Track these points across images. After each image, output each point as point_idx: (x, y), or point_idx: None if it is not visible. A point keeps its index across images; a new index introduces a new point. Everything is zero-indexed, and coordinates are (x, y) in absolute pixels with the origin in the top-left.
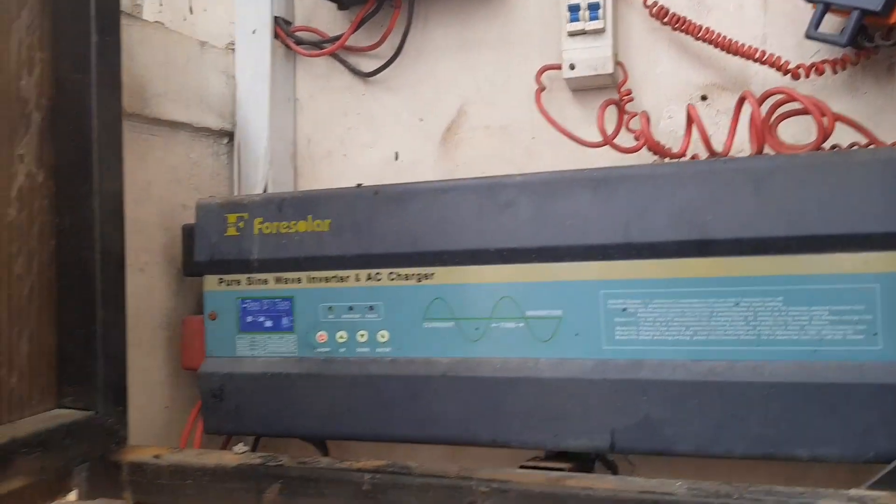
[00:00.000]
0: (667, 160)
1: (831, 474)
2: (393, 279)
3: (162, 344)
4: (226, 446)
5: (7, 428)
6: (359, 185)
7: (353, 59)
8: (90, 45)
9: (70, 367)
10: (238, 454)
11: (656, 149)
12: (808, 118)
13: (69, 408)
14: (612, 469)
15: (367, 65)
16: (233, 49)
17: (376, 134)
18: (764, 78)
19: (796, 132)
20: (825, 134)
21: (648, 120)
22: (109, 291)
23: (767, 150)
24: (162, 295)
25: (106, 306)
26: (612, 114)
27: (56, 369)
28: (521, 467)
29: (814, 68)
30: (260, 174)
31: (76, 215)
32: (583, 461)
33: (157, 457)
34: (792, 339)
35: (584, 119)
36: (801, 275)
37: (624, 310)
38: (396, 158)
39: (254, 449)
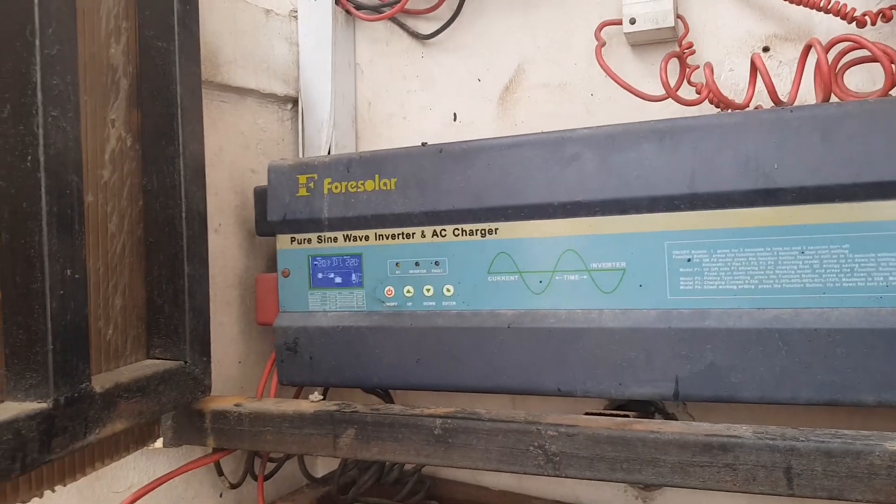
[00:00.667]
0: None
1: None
2: (458, 235)
3: (235, 301)
4: (297, 397)
5: (110, 375)
6: (423, 144)
7: (412, 22)
8: (173, 12)
9: (159, 319)
10: (314, 402)
11: (720, 100)
12: (873, 66)
13: (159, 358)
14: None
15: (426, 27)
16: (295, 16)
17: (435, 96)
18: (828, 27)
19: (860, 81)
20: (894, 81)
21: (713, 71)
22: (194, 248)
23: (833, 99)
24: (235, 255)
25: (191, 262)
26: (673, 67)
27: (146, 322)
28: (587, 414)
29: (881, 15)
30: (324, 138)
31: (162, 176)
32: (643, 414)
33: (237, 405)
34: (858, 286)
35: (643, 74)
36: (868, 221)
37: (689, 260)
38: (455, 119)
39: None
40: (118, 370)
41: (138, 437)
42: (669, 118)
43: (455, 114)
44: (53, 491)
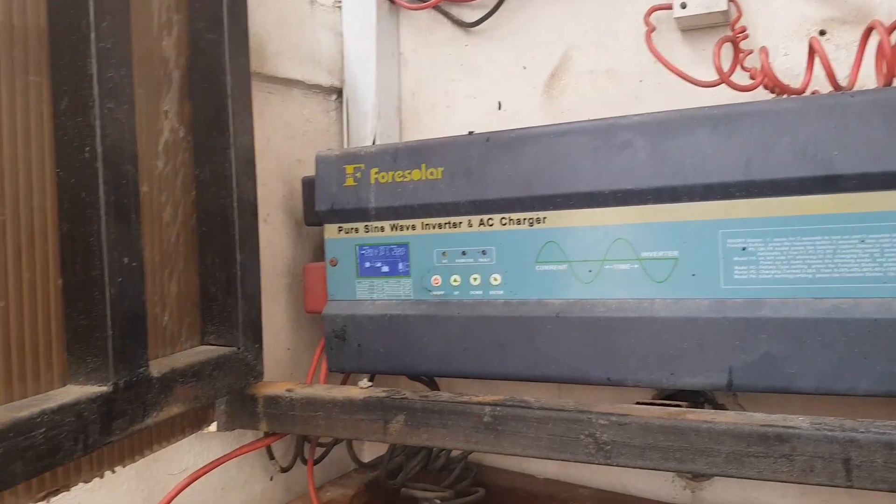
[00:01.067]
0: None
1: None
2: (505, 224)
3: (284, 290)
4: (344, 384)
5: (166, 360)
6: (470, 133)
7: (456, 10)
8: (222, 5)
9: (213, 306)
10: (363, 388)
11: (776, 85)
12: None
13: (213, 344)
14: None
15: (470, 15)
16: (340, 6)
17: (479, 84)
18: (889, 8)
19: None
20: None
21: (768, 55)
22: (245, 237)
23: None
24: (283, 244)
25: (243, 250)
26: (725, 52)
27: (200, 309)
28: (637, 404)
29: None
30: (368, 128)
31: (214, 167)
32: (693, 404)
33: (289, 391)
34: None
35: (693, 60)
36: None
37: (744, 249)
38: (500, 108)
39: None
40: (174, 356)
41: (193, 421)
42: (725, 104)
43: (500, 102)
44: (113, 472)
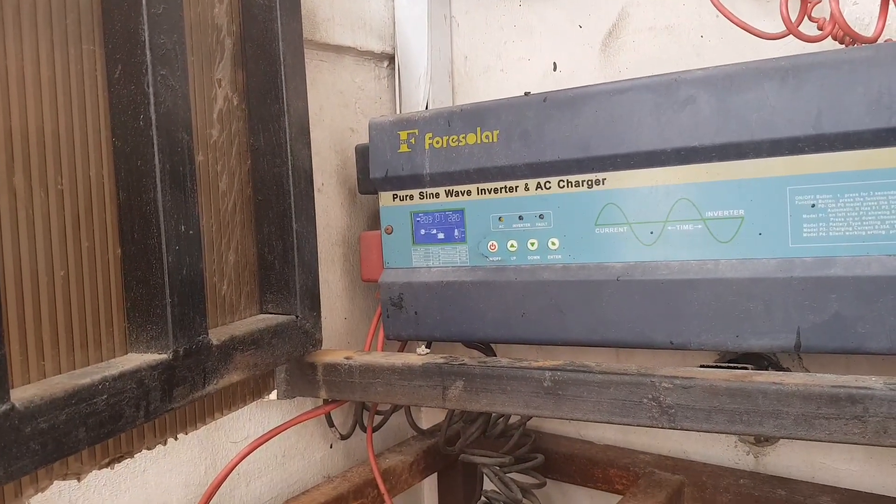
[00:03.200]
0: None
1: None
2: (563, 187)
3: (339, 259)
4: (401, 351)
5: (225, 328)
6: (527, 94)
7: None
8: None
9: (270, 275)
10: (421, 355)
11: (847, 34)
12: None
13: (271, 313)
14: None
15: None
16: None
17: (533, 46)
18: None
19: None
20: None
21: (839, 2)
22: (301, 205)
23: None
24: (338, 213)
25: (299, 219)
26: (793, 2)
27: (258, 278)
28: (701, 366)
29: None
30: (421, 94)
31: (269, 135)
32: (757, 367)
33: (348, 358)
34: None
35: (755, 14)
36: None
37: (813, 206)
38: (555, 69)
39: None
40: (233, 324)
41: (254, 389)
42: (793, 55)
43: (555, 63)
44: (176, 439)
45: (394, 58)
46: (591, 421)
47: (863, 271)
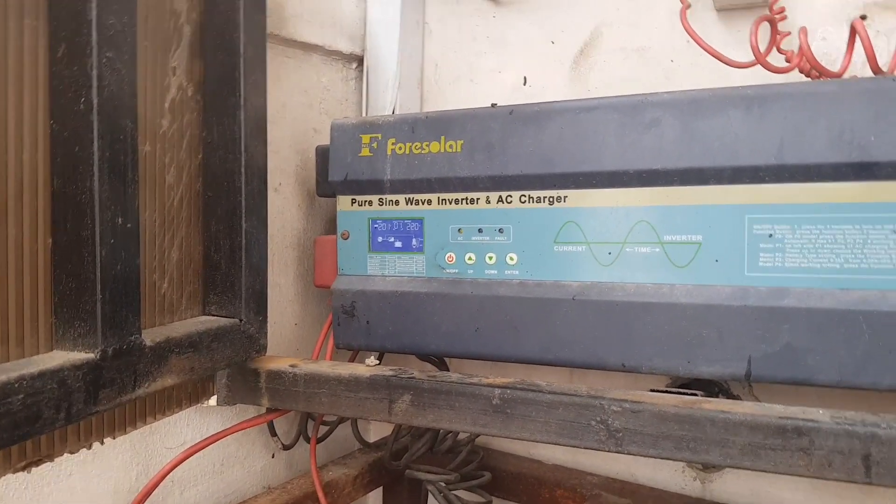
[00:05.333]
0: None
1: None
2: (524, 202)
3: (293, 262)
4: (352, 361)
5: (162, 329)
6: (493, 105)
7: None
8: None
9: (216, 275)
10: (370, 366)
11: (814, 67)
12: None
13: (214, 315)
14: None
15: None
16: None
17: (505, 58)
18: None
19: None
20: None
21: (808, 35)
22: (253, 204)
23: None
24: (294, 215)
25: (249, 218)
26: (763, 33)
27: (203, 278)
28: (652, 390)
29: None
30: (388, 98)
31: (223, 129)
32: (707, 394)
33: (293, 366)
34: None
35: (727, 41)
36: None
37: (770, 235)
38: (525, 84)
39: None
40: (171, 325)
41: (191, 394)
42: (759, 84)
43: (525, 78)
44: (102, 443)
45: (363, 60)
46: (539, 441)
47: (816, 304)
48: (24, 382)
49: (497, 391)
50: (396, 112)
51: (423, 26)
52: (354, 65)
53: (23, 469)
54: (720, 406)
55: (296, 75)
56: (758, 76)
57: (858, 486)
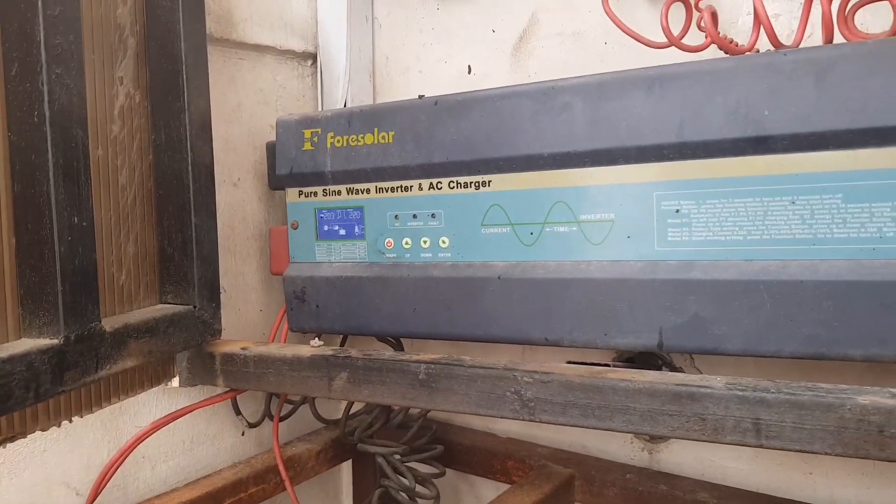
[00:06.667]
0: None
1: (888, 376)
2: (453, 188)
3: (255, 253)
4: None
5: (120, 317)
6: (420, 97)
7: None
8: None
9: (170, 266)
10: (313, 347)
11: (723, 45)
12: (884, 5)
13: (170, 303)
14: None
15: None
16: None
17: (450, 48)
18: None
19: (867, 21)
20: None
21: (713, 15)
22: (201, 200)
23: (838, 41)
24: (254, 208)
25: (198, 213)
26: (680, 12)
27: (158, 269)
28: (568, 362)
29: None
30: (340, 92)
31: (170, 131)
32: (649, 366)
33: (244, 349)
34: (850, 237)
35: (654, 21)
36: (863, 170)
37: (677, 211)
38: (470, 72)
39: (342, 346)
40: (130, 313)
41: (153, 376)
42: (659, 65)
43: (469, 66)
44: (71, 422)
45: (317, 57)
46: (460, 412)
47: (720, 275)
48: None
49: (423, 367)
50: (348, 105)
51: (373, 21)
52: (309, 62)
53: None
54: (622, 375)
55: (250, 75)
56: (684, 55)
57: (799, 454)
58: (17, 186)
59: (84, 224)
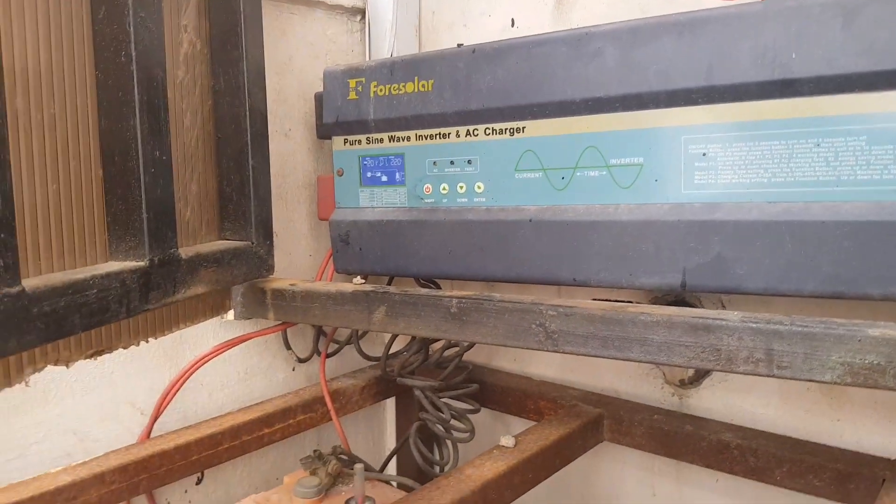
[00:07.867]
0: None
1: None
2: (489, 134)
3: (304, 200)
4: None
5: (192, 247)
6: (459, 45)
7: None
8: None
9: (228, 206)
10: (356, 284)
11: None
12: None
13: (229, 240)
14: None
15: None
16: None
17: (494, 2)
18: None
19: None
20: None
21: None
22: (257, 144)
23: None
24: (304, 157)
25: (255, 156)
26: None
27: (217, 208)
28: (594, 300)
29: None
30: (386, 47)
31: (228, 78)
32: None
33: (292, 285)
34: (873, 179)
35: None
36: (888, 112)
37: (704, 154)
38: (513, 25)
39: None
40: (198, 245)
41: (212, 307)
42: (689, 10)
43: (513, 19)
44: (147, 342)
45: (365, 12)
46: (488, 343)
47: (744, 216)
48: (97, 280)
49: (455, 301)
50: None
51: None
52: (358, 17)
53: (91, 356)
54: (641, 309)
55: (301, 30)
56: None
57: (826, 400)
58: (104, 122)
59: (164, 158)
